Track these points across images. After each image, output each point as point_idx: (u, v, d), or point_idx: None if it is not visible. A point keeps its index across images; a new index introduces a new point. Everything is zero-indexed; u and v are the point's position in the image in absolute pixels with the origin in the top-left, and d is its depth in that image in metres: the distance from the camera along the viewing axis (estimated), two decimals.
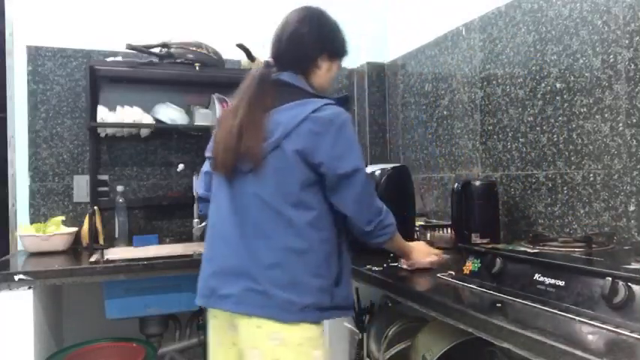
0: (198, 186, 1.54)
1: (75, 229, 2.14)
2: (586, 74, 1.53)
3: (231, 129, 1.23)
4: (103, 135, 2.29)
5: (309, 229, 1.20)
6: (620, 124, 1.43)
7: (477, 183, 1.69)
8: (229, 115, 1.27)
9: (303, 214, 1.20)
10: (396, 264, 1.54)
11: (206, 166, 1.48)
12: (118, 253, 2.14)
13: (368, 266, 1.52)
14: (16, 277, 1.61)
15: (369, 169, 1.84)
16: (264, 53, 2.43)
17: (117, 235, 2.26)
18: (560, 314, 0.96)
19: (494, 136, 1.92)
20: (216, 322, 1.28)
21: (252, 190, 1.21)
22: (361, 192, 1.23)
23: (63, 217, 2.16)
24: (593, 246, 1.26)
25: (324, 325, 1.26)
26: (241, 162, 1.22)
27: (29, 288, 1.63)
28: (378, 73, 2.74)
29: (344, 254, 1.29)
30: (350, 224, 1.27)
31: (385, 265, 1.54)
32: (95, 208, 2.20)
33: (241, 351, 1.23)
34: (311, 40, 1.31)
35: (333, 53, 1.37)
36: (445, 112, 2.23)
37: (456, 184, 1.68)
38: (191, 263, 1.80)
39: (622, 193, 1.42)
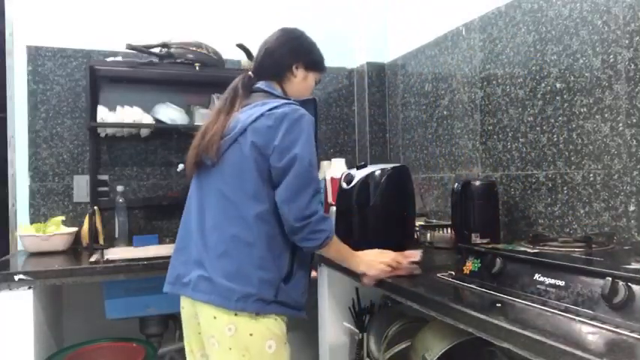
0: None
1: (75, 229, 2.15)
2: (586, 74, 1.53)
3: (200, 130, 1.36)
4: (103, 135, 2.29)
5: (258, 221, 1.26)
6: (620, 124, 1.43)
7: (477, 183, 1.69)
8: (204, 123, 1.40)
9: (254, 207, 1.26)
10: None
11: None
12: (118, 253, 2.14)
13: None
14: (16, 277, 1.61)
15: (369, 169, 1.84)
16: None
17: (117, 235, 2.26)
18: (560, 314, 0.96)
19: (494, 136, 1.92)
20: (184, 312, 1.40)
21: (215, 184, 1.31)
22: (295, 182, 1.25)
23: (63, 217, 2.16)
24: (593, 246, 1.26)
25: (283, 322, 1.31)
26: (204, 158, 1.33)
27: (29, 288, 1.63)
28: (378, 73, 2.74)
29: (299, 254, 1.33)
30: (282, 218, 1.27)
31: None
32: (95, 208, 2.20)
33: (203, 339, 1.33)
34: (285, 51, 1.43)
35: (309, 64, 1.46)
36: (445, 112, 2.23)
37: (456, 184, 1.68)
38: None
39: (622, 193, 1.42)
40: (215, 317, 1.25)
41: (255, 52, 1.52)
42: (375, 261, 1.38)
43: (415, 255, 1.45)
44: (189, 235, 1.36)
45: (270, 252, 1.27)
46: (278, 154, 1.25)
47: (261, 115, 1.27)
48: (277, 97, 1.38)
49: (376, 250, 1.43)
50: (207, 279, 1.26)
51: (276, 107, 1.28)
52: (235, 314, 1.24)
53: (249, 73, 1.45)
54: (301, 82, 1.45)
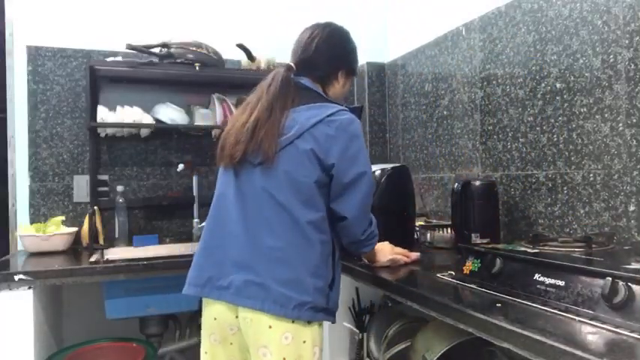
0: None
1: (75, 229, 2.14)
2: (586, 74, 1.53)
3: (246, 123, 1.25)
4: (103, 135, 2.29)
5: (312, 228, 1.21)
6: (620, 124, 1.43)
7: (477, 183, 1.69)
8: (244, 111, 1.30)
9: (309, 214, 1.22)
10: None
11: None
12: (118, 253, 2.14)
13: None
14: (16, 277, 1.61)
15: None
16: (263, 53, 2.45)
17: (117, 235, 2.26)
18: (560, 314, 0.96)
19: (494, 136, 1.92)
20: (217, 321, 1.27)
21: (261, 184, 1.22)
22: (364, 198, 1.27)
23: (63, 217, 2.16)
24: (593, 246, 1.26)
25: (321, 327, 1.27)
26: (252, 155, 1.23)
27: (29, 288, 1.63)
28: (378, 73, 2.74)
29: (337, 260, 1.31)
30: (344, 231, 1.31)
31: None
32: (95, 208, 2.20)
33: (245, 348, 1.25)
34: (335, 55, 1.39)
35: (350, 72, 1.45)
36: (445, 112, 2.23)
37: (456, 184, 1.68)
38: (191, 263, 1.80)
39: (622, 193, 1.42)
40: (271, 326, 1.18)
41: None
42: (387, 251, 1.52)
43: (415, 256, 1.58)
44: (225, 236, 1.26)
45: (323, 259, 1.24)
46: (343, 169, 1.23)
47: (321, 120, 1.23)
48: (328, 100, 1.34)
49: (387, 243, 1.53)
50: (259, 284, 1.18)
51: (335, 114, 1.25)
52: (292, 321, 1.18)
53: (292, 64, 1.36)
54: (341, 87, 1.43)
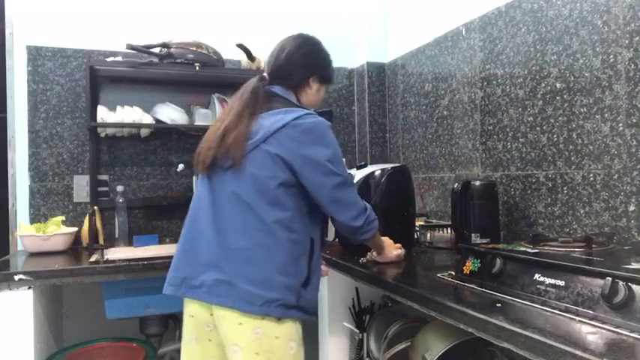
0: None
1: (75, 229, 2.15)
2: (586, 74, 1.53)
3: (217, 130, 1.33)
4: (103, 135, 2.29)
5: (280, 228, 1.26)
6: (620, 124, 1.43)
7: (477, 183, 1.69)
8: (218, 120, 1.38)
9: (276, 213, 1.26)
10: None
11: None
12: (118, 253, 2.13)
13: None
14: (16, 277, 1.61)
15: (369, 169, 1.84)
16: (263, 53, 2.44)
17: (117, 235, 2.25)
18: (560, 314, 0.96)
19: (494, 136, 1.92)
20: (194, 319, 1.32)
21: (231, 187, 1.29)
22: (339, 194, 1.33)
23: (63, 217, 2.16)
24: (593, 246, 1.26)
25: (300, 324, 1.31)
26: (222, 159, 1.30)
27: (29, 288, 1.63)
28: (378, 73, 2.74)
29: (315, 259, 1.34)
30: (339, 226, 1.39)
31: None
32: (95, 208, 2.21)
33: (220, 346, 1.30)
34: (306, 62, 1.45)
35: (324, 78, 1.50)
36: (445, 112, 2.23)
37: (456, 184, 1.68)
38: None
39: (622, 193, 1.42)
40: (241, 323, 1.23)
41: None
42: (394, 246, 1.61)
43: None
44: (198, 237, 1.32)
45: (291, 258, 1.27)
46: (309, 170, 1.28)
47: (286, 124, 1.28)
48: (297, 105, 1.39)
49: (387, 238, 1.60)
50: (227, 283, 1.23)
51: (300, 117, 1.30)
52: (262, 318, 1.23)
53: (265, 75, 1.44)
54: (315, 93, 1.48)
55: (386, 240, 1.58)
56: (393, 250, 1.59)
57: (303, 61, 1.44)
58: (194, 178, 2.41)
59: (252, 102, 1.34)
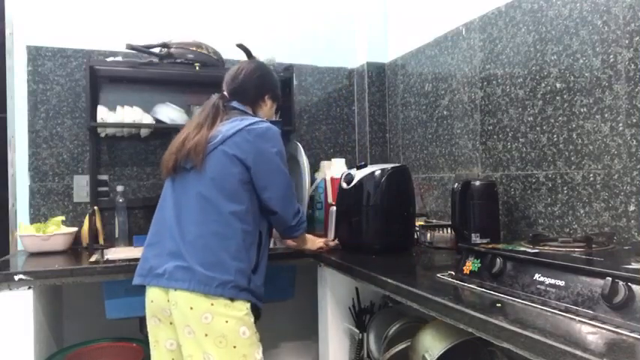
0: None
1: (75, 229, 2.15)
2: (586, 74, 1.53)
3: (178, 139, 1.53)
4: (103, 135, 2.29)
5: (234, 218, 1.44)
6: (620, 124, 1.43)
7: (477, 183, 1.69)
8: (182, 132, 1.57)
9: (232, 206, 1.44)
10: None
11: None
12: (118, 253, 2.13)
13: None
14: (16, 277, 1.61)
15: (369, 169, 1.84)
16: (263, 53, 2.44)
17: (117, 235, 2.25)
18: (560, 314, 0.96)
19: (494, 136, 1.92)
20: (153, 304, 1.47)
21: (193, 186, 1.46)
22: (285, 193, 1.55)
23: (63, 217, 2.16)
24: (593, 246, 1.26)
25: (250, 311, 1.44)
26: (184, 161, 1.49)
27: (29, 288, 1.63)
28: (378, 73, 2.74)
29: (263, 248, 1.54)
30: (276, 221, 1.59)
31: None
32: (95, 208, 2.21)
33: (176, 328, 1.43)
34: (261, 83, 1.68)
35: (275, 97, 1.74)
36: (445, 112, 2.23)
37: (456, 184, 1.68)
38: None
39: (622, 193, 1.42)
40: (192, 308, 1.37)
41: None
42: (316, 241, 1.85)
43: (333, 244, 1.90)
44: (164, 231, 1.48)
45: (244, 245, 1.45)
46: (261, 170, 1.49)
47: (242, 129, 1.49)
48: (251, 115, 1.61)
49: (313, 237, 1.87)
50: (186, 268, 1.39)
51: (254, 124, 1.51)
52: (212, 304, 1.37)
53: (225, 93, 1.64)
54: (268, 109, 1.72)
55: (310, 237, 1.82)
56: (316, 243, 1.83)
57: (258, 82, 1.67)
58: None
59: (212, 115, 1.55)
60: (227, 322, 1.38)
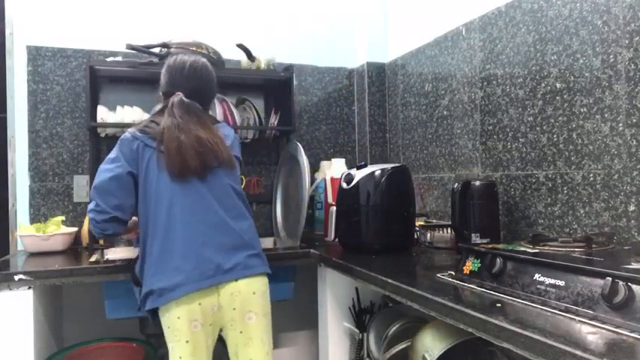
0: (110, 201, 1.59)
1: (75, 229, 2.14)
2: (586, 74, 1.53)
3: (198, 140, 1.51)
4: (103, 135, 2.29)
5: (249, 209, 1.63)
6: (620, 124, 1.43)
7: (477, 183, 1.69)
8: (177, 130, 1.51)
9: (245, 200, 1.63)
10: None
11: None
12: (118, 253, 2.14)
13: None
14: (16, 277, 1.61)
15: (369, 169, 1.84)
16: (263, 53, 2.44)
17: None
18: (560, 314, 0.96)
19: (494, 136, 1.92)
20: (201, 307, 1.44)
21: (225, 181, 1.56)
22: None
23: (63, 217, 2.16)
24: (593, 246, 1.26)
25: None
26: (213, 160, 1.53)
27: (29, 288, 1.63)
28: (378, 73, 2.74)
29: None
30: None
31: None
32: None
33: (218, 325, 1.51)
34: (214, 85, 1.72)
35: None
36: (445, 112, 2.23)
37: (456, 184, 1.68)
38: None
39: (622, 193, 1.42)
40: (254, 292, 1.51)
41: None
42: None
43: None
44: (211, 228, 1.50)
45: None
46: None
47: (234, 136, 1.69)
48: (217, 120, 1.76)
49: None
50: (257, 255, 1.55)
51: (234, 131, 1.75)
52: (266, 283, 1.56)
53: (179, 94, 1.58)
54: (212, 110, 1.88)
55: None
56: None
57: (212, 85, 1.70)
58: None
59: (202, 116, 1.60)
60: (269, 296, 1.59)
